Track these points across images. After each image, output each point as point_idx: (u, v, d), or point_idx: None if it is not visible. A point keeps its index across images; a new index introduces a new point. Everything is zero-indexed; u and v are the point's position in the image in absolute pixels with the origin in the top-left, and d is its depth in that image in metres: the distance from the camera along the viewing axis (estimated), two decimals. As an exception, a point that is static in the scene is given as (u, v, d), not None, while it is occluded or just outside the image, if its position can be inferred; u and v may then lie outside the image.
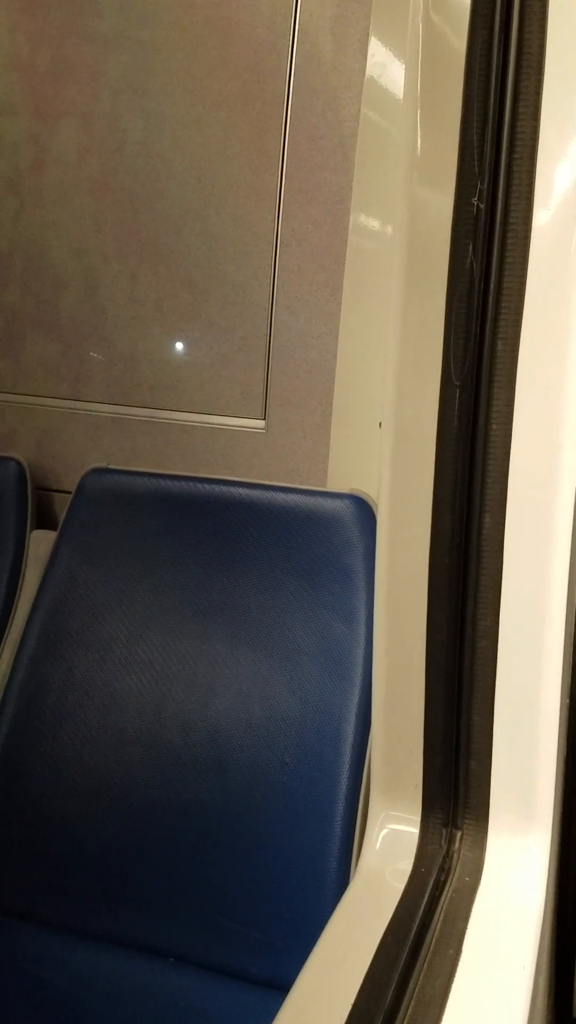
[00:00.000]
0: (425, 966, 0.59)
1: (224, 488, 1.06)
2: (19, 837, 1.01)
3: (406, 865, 0.69)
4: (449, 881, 0.67)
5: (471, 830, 0.69)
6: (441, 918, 0.63)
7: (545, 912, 0.66)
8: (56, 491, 1.26)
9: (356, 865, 0.80)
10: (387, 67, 1.05)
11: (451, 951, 0.60)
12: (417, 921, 0.63)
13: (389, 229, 1.07)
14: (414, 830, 0.71)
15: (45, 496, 1.26)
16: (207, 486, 1.06)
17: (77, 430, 1.26)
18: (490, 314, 0.62)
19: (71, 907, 0.98)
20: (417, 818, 0.71)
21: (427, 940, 0.61)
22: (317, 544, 1.01)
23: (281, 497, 1.04)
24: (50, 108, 1.20)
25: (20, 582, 1.15)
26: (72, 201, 1.21)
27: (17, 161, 1.23)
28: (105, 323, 1.22)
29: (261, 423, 1.18)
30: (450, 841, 0.70)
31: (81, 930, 0.97)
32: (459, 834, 0.69)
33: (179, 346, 1.20)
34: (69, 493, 1.13)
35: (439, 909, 0.64)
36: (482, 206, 0.61)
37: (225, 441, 1.19)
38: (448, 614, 0.68)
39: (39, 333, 1.25)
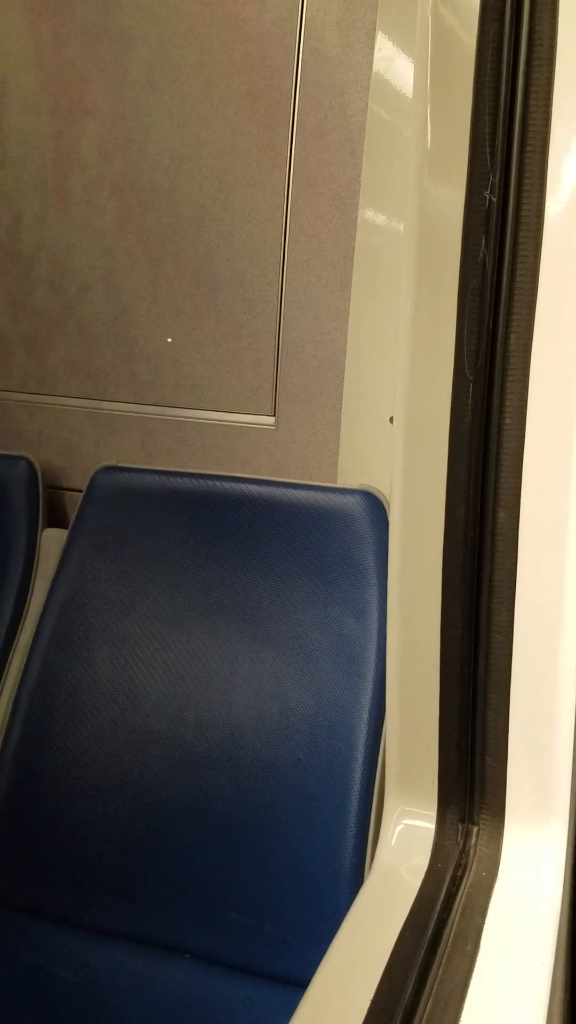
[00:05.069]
0: (443, 962, 0.59)
1: (234, 485, 1.06)
2: (32, 833, 1.01)
3: (422, 861, 0.69)
4: (466, 877, 0.67)
5: (487, 825, 0.69)
6: (458, 914, 0.63)
7: (563, 906, 0.66)
8: (67, 489, 1.26)
9: (371, 861, 0.80)
10: (394, 62, 1.05)
11: (469, 947, 0.60)
12: (435, 917, 0.63)
13: (397, 223, 1.07)
14: (430, 826, 0.71)
15: (56, 495, 1.26)
16: (217, 483, 1.06)
17: (88, 428, 1.26)
18: (503, 308, 0.62)
19: (85, 903, 0.98)
20: (433, 814, 0.71)
21: (445, 936, 0.61)
22: (328, 540, 1.01)
23: (292, 493, 1.03)
24: (72, 107, 1.20)
25: (32, 580, 1.15)
26: (95, 201, 1.21)
27: (43, 161, 1.23)
28: (127, 322, 1.22)
29: (271, 419, 1.18)
30: (466, 837, 0.69)
31: (95, 927, 0.97)
32: (475, 830, 0.69)
33: (191, 344, 1.20)
34: (80, 491, 1.13)
35: (456, 905, 0.64)
36: (494, 199, 0.61)
37: (235, 438, 1.19)
38: (463, 610, 0.67)
39: (64, 334, 1.25)
